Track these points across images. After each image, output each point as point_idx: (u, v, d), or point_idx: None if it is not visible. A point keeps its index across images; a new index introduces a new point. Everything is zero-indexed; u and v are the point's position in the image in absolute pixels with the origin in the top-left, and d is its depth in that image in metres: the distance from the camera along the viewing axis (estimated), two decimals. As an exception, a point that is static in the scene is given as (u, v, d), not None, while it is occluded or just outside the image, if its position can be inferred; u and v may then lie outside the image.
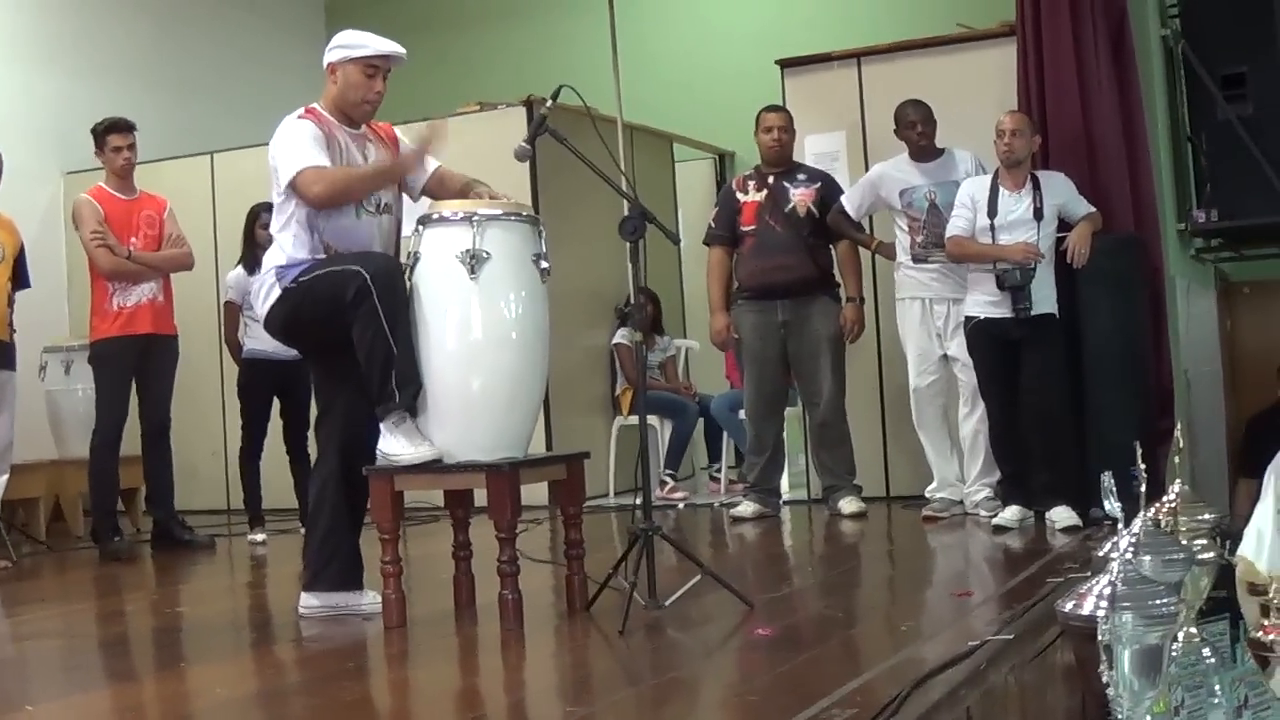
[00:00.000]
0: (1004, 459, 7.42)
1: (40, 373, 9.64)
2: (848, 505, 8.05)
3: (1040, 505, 7.22)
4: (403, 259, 5.22)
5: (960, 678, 3.75)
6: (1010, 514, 7.18)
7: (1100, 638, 3.22)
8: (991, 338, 7.27)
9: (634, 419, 9.52)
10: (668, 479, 9.80)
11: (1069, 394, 7.32)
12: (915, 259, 7.89)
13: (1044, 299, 7.16)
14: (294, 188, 5.24)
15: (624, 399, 10.13)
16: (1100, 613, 3.28)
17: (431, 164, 5.61)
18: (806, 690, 3.68)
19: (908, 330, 7.98)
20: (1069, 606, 3.93)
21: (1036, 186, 7.28)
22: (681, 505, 9.34)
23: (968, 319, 7.38)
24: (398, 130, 5.77)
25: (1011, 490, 7.35)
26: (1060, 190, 7.37)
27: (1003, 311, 7.17)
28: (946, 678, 3.74)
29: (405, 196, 5.64)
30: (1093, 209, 7.40)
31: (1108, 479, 3.66)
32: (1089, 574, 4.94)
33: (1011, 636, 4.23)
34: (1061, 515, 7.03)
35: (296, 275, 5.24)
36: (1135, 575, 3.29)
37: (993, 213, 7.23)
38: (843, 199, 8.12)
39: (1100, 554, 4.76)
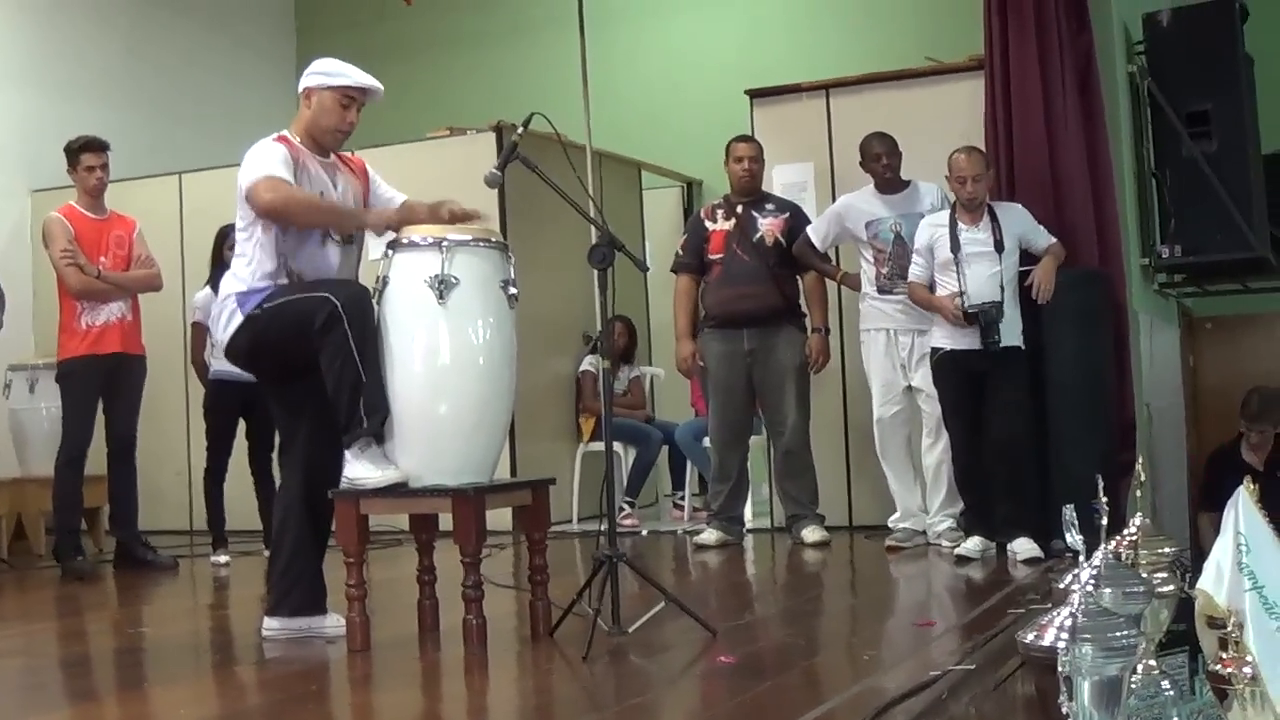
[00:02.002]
0: (966, 490, 7.45)
1: (4, 391, 9.61)
2: (811, 534, 8.07)
3: (1002, 536, 7.24)
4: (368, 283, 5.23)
5: (921, 707, 3.78)
6: (972, 545, 7.21)
7: (1060, 669, 3.24)
8: (957, 369, 7.30)
9: (597, 445, 9.57)
10: (625, 506, 9.81)
11: (1032, 426, 7.34)
12: (880, 290, 7.93)
13: (1010, 332, 7.19)
14: (249, 194, 5.22)
15: (585, 426, 10.15)
16: (1061, 644, 3.30)
17: (398, 197, 5.62)
18: (768, 718, 3.70)
19: (872, 361, 8.02)
20: (1030, 638, 3.96)
21: (994, 218, 7.31)
22: (644, 533, 9.33)
23: (934, 350, 7.41)
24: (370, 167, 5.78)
25: (974, 521, 7.38)
26: (1018, 221, 7.41)
27: (970, 343, 7.20)
28: (907, 707, 3.76)
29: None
30: (1053, 239, 7.45)
31: (1069, 512, 3.68)
32: (1050, 606, 4.99)
33: (973, 667, 4.25)
34: (1023, 547, 7.05)
35: (260, 301, 5.22)
36: (1096, 607, 3.31)
37: (955, 247, 7.26)
38: (808, 230, 8.16)
39: (1061, 586, 4.80)
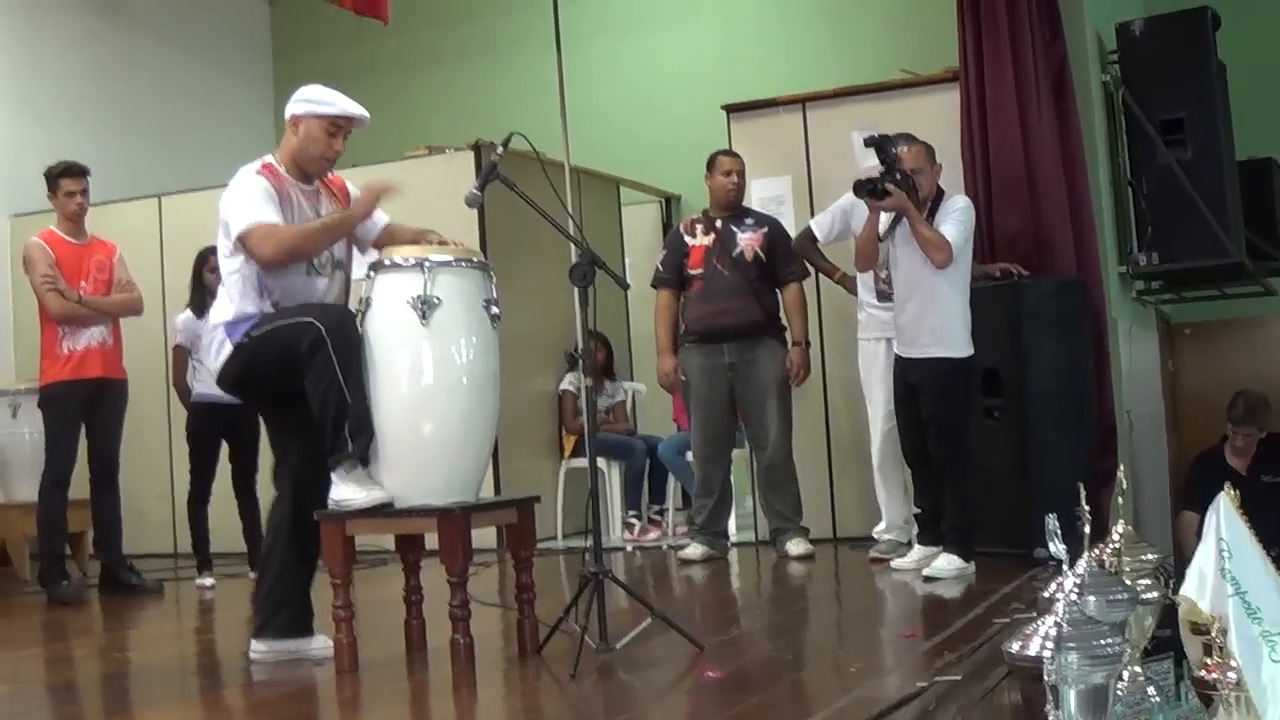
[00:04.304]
0: (916, 494, 7.47)
1: (-14, 416, 9.61)
2: (795, 547, 8.10)
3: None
4: (353, 306, 5.25)
5: (909, 718, 3.79)
6: (941, 564, 6.99)
7: (1046, 678, 3.25)
8: (897, 374, 7.31)
9: (580, 461, 9.57)
10: (633, 521, 9.82)
11: (963, 442, 7.11)
12: (880, 297, 7.84)
13: (934, 340, 7.03)
14: (244, 243, 5.24)
15: (567, 442, 10.16)
16: (1046, 653, 3.31)
17: (382, 218, 5.64)
18: (758, 732, 3.72)
19: (872, 371, 7.97)
20: (1015, 647, 3.97)
21: (933, 213, 7.14)
22: (664, 546, 9.32)
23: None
24: (349, 182, 5.79)
25: (922, 528, 7.37)
26: (944, 214, 7.11)
27: (899, 349, 7.21)
28: (895, 718, 3.77)
29: (355, 251, 5.67)
30: (949, 235, 6.97)
31: (1052, 521, 3.70)
32: (1035, 614, 5.01)
33: (959, 677, 4.27)
34: (940, 565, 6.97)
35: (248, 329, 5.24)
36: (1080, 616, 3.33)
37: (887, 236, 7.16)
38: (811, 223, 8.14)
39: (1045, 595, 4.83)
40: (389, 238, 5.56)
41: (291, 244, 5.27)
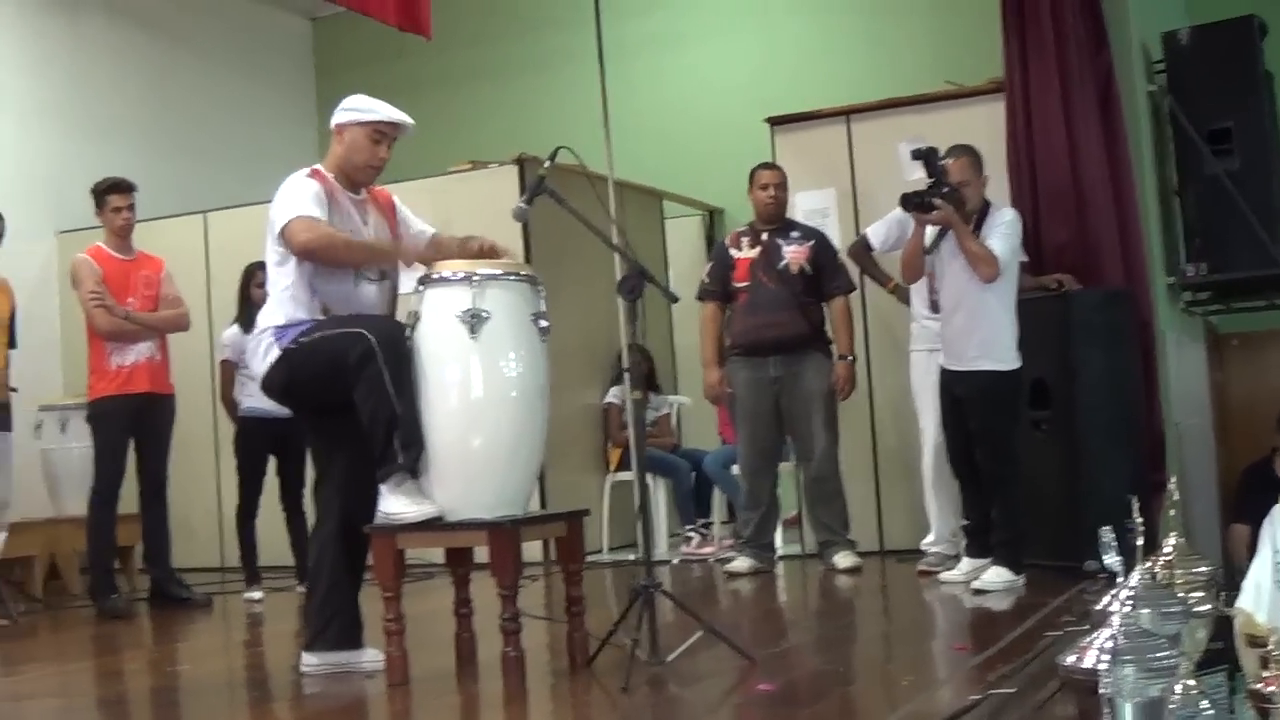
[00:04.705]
0: (964, 507, 7.45)
1: (36, 431, 9.63)
2: (843, 560, 8.07)
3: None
4: (400, 319, 5.26)
5: (964, 731, 3.78)
6: (990, 577, 6.97)
7: (1102, 691, 3.24)
8: (943, 387, 7.29)
9: (626, 475, 9.57)
10: (696, 535, 9.81)
11: (1011, 454, 7.09)
12: (934, 308, 7.65)
13: (982, 354, 7.03)
14: (284, 234, 5.27)
15: (613, 456, 10.17)
16: (1102, 666, 3.30)
17: (428, 231, 5.66)
18: (812, 745, 3.71)
19: (924, 384, 7.88)
20: (1070, 660, 3.97)
21: (980, 225, 7.12)
22: (710, 559, 9.27)
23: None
24: (396, 198, 5.82)
25: (970, 540, 7.36)
26: (992, 227, 7.10)
27: (945, 362, 7.20)
28: (951, 731, 3.77)
29: (401, 264, 5.69)
30: (997, 250, 6.96)
31: (1107, 533, 3.69)
32: (1087, 627, 4.98)
33: (1014, 690, 4.25)
34: (989, 578, 6.95)
35: (296, 336, 5.25)
36: (1136, 628, 3.31)
37: (932, 248, 7.16)
38: (867, 231, 8.13)
39: (1098, 608, 4.80)
40: (434, 250, 5.58)
41: (327, 241, 5.28)
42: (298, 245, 5.25)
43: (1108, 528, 3.70)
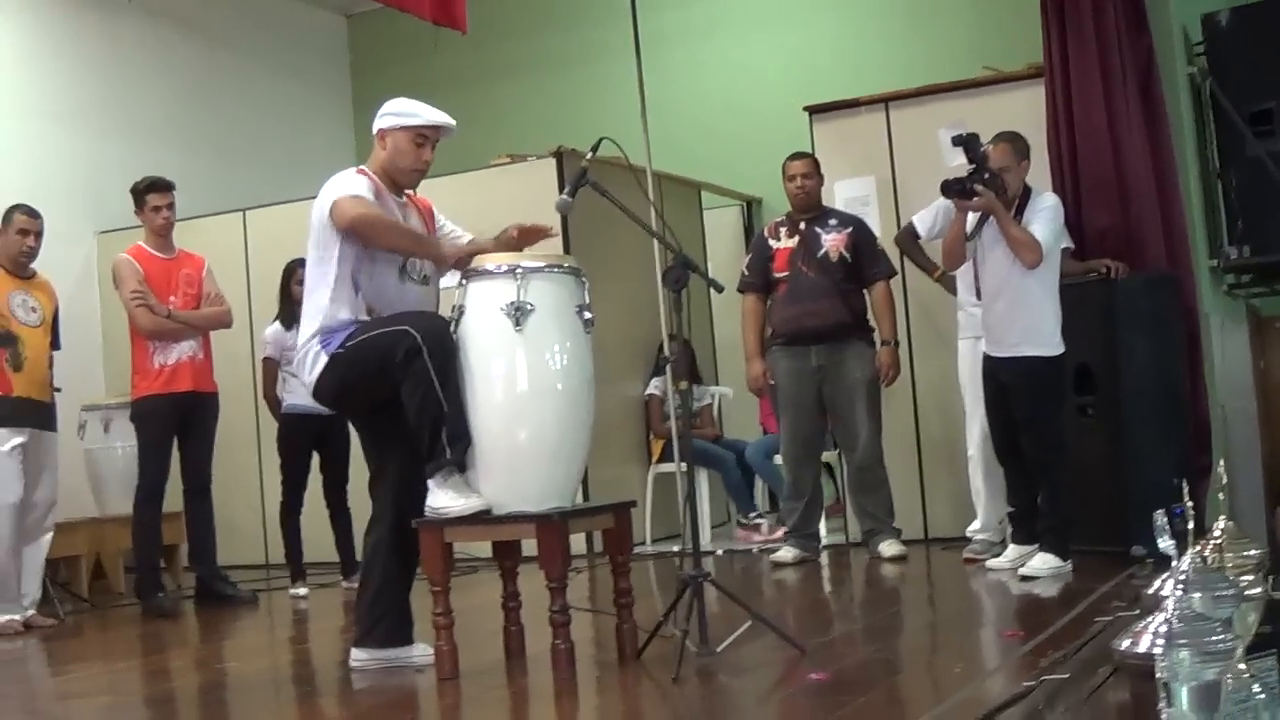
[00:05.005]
0: (1009, 493, 7.41)
1: (79, 431, 9.69)
2: (888, 548, 8.06)
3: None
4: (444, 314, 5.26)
5: (1020, 718, 3.76)
6: (1037, 563, 6.94)
7: (1158, 675, 3.22)
8: (986, 374, 7.26)
9: (668, 467, 9.56)
10: (760, 521, 9.79)
11: (1058, 442, 7.05)
12: (981, 295, 7.59)
13: (1024, 339, 7.00)
14: (332, 213, 5.25)
15: (654, 447, 10.16)
16: (1157, 650, 3.28)
17: (464, 236, 5.64)
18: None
19: (971, 371, 7.77)
20: (1125, 645, 3.95)
21: (1021, 211, 7.10)
22: (719, 552, 9.27)
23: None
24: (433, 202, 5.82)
25: (1016, 527, 7.33)
26: (1034, 212, 7.08)
27: (988, 349, 7.17)
28: (1006, 718, 3.74)
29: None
30: (1039, 235, 6.91)
31: (1160, 517, 3.67)
32: (1137, 612, 4.97)
33: (1067, 676, 4.22)
34: (1036, 564, 6.92)
35: (343, 340, 5.24)
36: (1191, 612, 3.29)
37: (974, 234, 7.12)
38: (914, 219, 8.09)
39: (1149, 592, 4.78)
40: (473, 249, 5.53)
41: (376, 217, 5.28)
42: (346, 220, 5.23)
43: (1161, 511, 3.67)
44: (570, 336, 5.12)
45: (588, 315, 5.19)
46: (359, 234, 5.27)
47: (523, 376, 5.04)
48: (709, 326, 11.32)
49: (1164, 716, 3.23)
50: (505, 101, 12.64)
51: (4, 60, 10.45)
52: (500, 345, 5.03)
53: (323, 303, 5.34)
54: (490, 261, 5.16)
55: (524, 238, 5.57)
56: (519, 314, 5.00)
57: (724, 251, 11.50)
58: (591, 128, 5.77)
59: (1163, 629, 3.31)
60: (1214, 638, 3.21)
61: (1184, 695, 3.19)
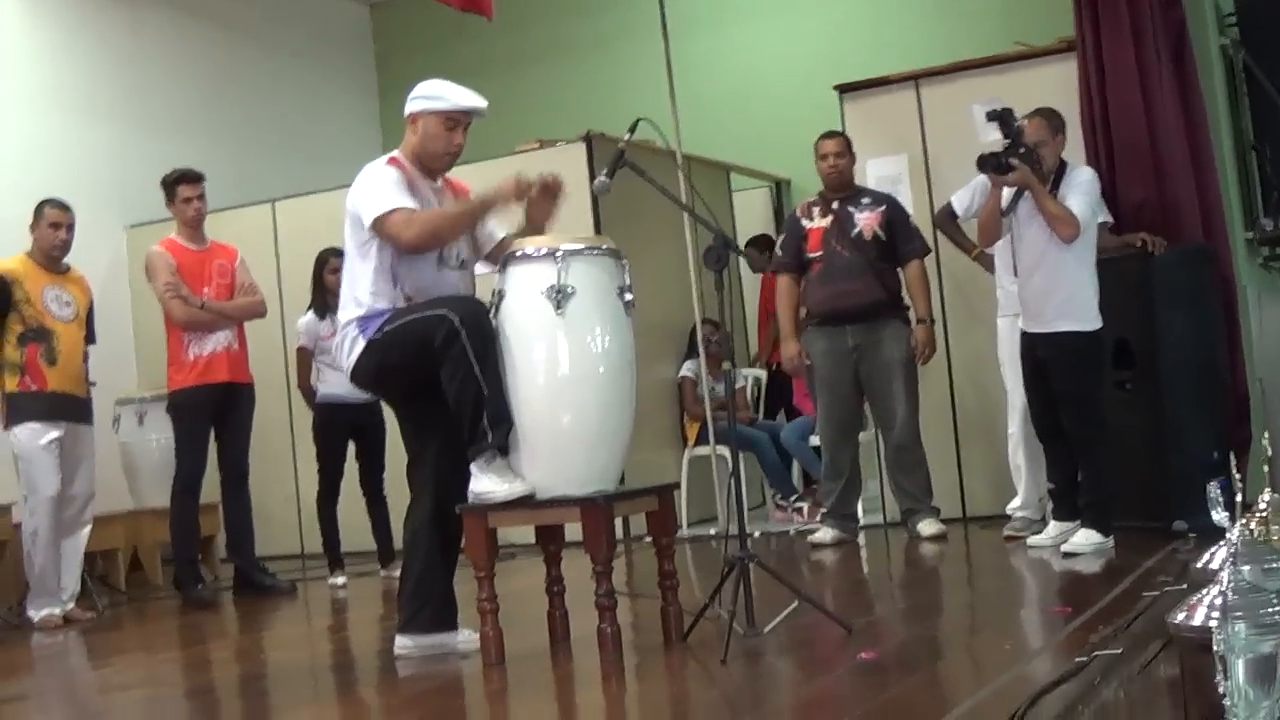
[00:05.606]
0: (1049, 469, 7.37)
1: (114, 425, 9.70)
2: (927, 527, 8.03)
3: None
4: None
5: (1075, 693, 3.73)
6: (1079, 540, 6.89)
7: (1215, 648, 3.20)
8: (1024, 349, 7.21)
9: (704, 450, 9.53)
10: (802, 506, 9.75)
11: (1098, 417, 6.99)
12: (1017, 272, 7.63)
13: (1061, 314, 6.95)
14: (381, 230, 5.22)
15: (689, 430, 10.13)
16: (1213, 623, 3.26)
17: (499, 232, 5.60)
18: (921, 712, 3.68)
19: (1011, 349, 7.69)
20: (1180, 618, 3.92)
21: (1056, 185, 7.02)
22: (758, 534, 9.22)
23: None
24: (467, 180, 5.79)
25: (1057, 504, 7.27)
26: (1070, 186, 7.01)
27: (1025, 325, 7.12)
28: (1061, 693, 3.71)
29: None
30: (1076, 209, 6.84)
31: (1214, 488, 3.65)
32: (1185, 586, 4.93)
33: (1120, 650, 4.19)
34: (1078, 541, 6.87)
35: (380, 325, 5.23)
36: (1246, 585, 3.27)
37: (1010, 209, 7.06)
38: (952, 199, 7.97)
39: (1198, 565, 4.75)
40: (500, 251, 5.47)
41: (432, 226, 5.25)
42: (406, 243, 5.21)
43: (1214, 483, 3.65)
44: (611, 319, 5.09)
45: (629, 297, 5.16)
46: (425, 247, 5.27)
47: (564, 360, 5.01)
48: (742, 308, 11.29)
49: (1221, 689, 3.21)
50: (533, 87, 12.61)
51: (31, 56, 10.46)
52: (541, 329, 5.00)
53: (362, 293, 5.33)
54: (530, 244, 5.14)
55: (544, 188, 5.51)
56: (560, 297, 4.97)
57: (754, 233, 11.43)
58: (620, 111, 5.75)
59: (1217, 602, 3.28)
60: (1270, 610, 3.19)
61: (1240, 668, 3.18)
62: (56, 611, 7.73)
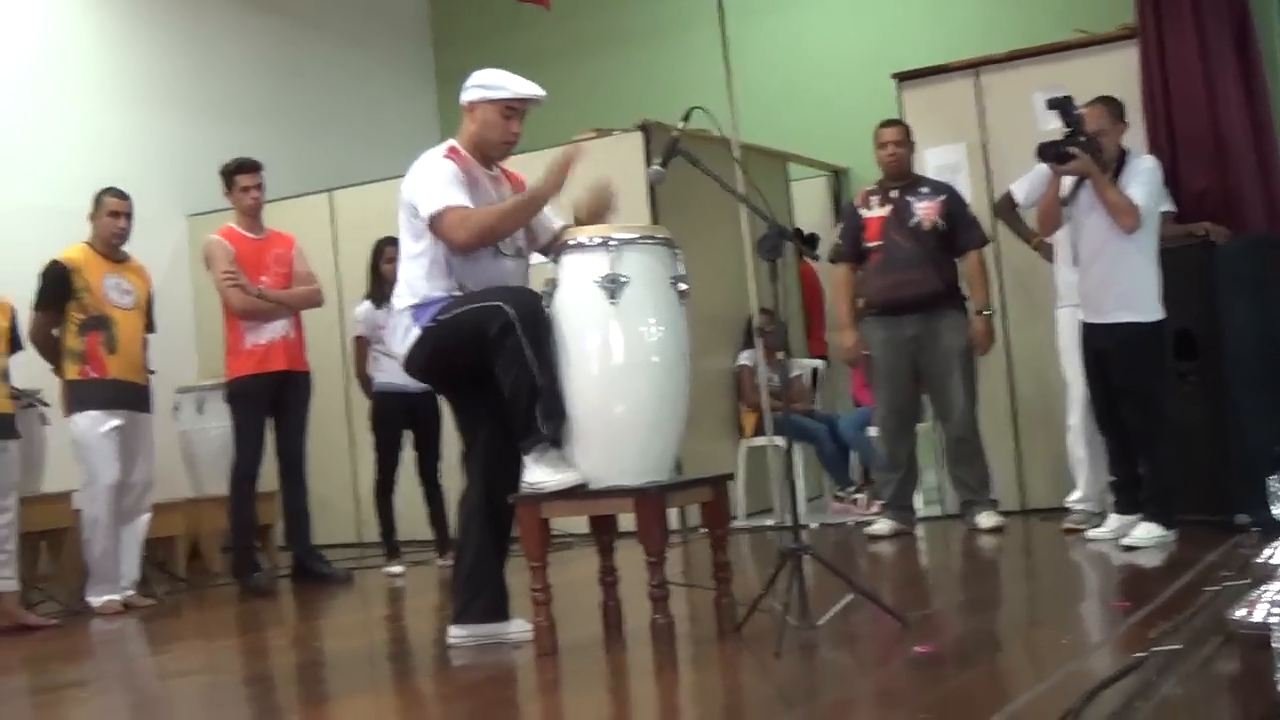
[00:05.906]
0: (1110, 462, 7.30)
1: (174, 413, 9.74)
2: (986, 520, 7.97)
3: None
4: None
5: (1133, 689, 3.69)
6: (1140, 533, 6.83)
7: (1275, 645, 3.16)
8: (1084, 341, 7.16)
9: (759, 440, 9.50)
10: (857, 498, 9.71)
11: (1160, 410, 6.94)
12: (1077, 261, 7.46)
13: (1121, 305, 6.89)
14: (436, 229, 5.21)
15: (746, 421, 10.10)
16: (1273, 620, 3.22)
17: (557, 222, 5.58)
18: (978, 706, 3.64)
19: (1071, 340, 7.62)
20: (1240, 614, 3.86)
21: (1118, 174, 6.95)
22: (814, 525, 9.20)
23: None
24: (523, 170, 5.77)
25: (1118, 496, 7.21)
26: (1131, 175, 6.94)
27: (1085, 315, 7.06)
28: (1119, 689, 3.67)
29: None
30: (1138, 199, 6.78)
31: (1276, 483, 3.60)
32: (1247, 581, 4.86)
33: (1180, 646, 4.14)
34: (1140, 534, 6.80)
35: (435, 314, 5.22)
36: (1305, 581, 3.23)
37: (1070, 199, 7.02)
38: (1012, 187, 7.91)
39: (1259, 560, 4.69)
40: (557, 242, 5.46)
41: (486, 224, 5.23)
42: (459, 243, 5.20)
43: (1276, 477, 3.60)
44: (665, 308, 5.08)
45: (683, 286, 5.15)
46: (478, 246, 5.26)
47: (618, 349, 5.00)
48: (799, 298, 11.24)
49: (1281, 686, 3.17)
50: (590, 76, 12.60)
51: (91, 46, 10.52)
52: (595, 318, 4.99)
53: (417, 281, 5.32)
54: (583, 234, 5.13)
55: (595, 201, 5.50)
56: (614, 286, 4.96)
57: (812, 222, 11.40)
58: (677, 100, 5.70)
59: (1278, 599, 3.24)
60: (1330, 605, 3.15)
61: (1300, 665, 3.14)
62: (116, 598, 7.77)
